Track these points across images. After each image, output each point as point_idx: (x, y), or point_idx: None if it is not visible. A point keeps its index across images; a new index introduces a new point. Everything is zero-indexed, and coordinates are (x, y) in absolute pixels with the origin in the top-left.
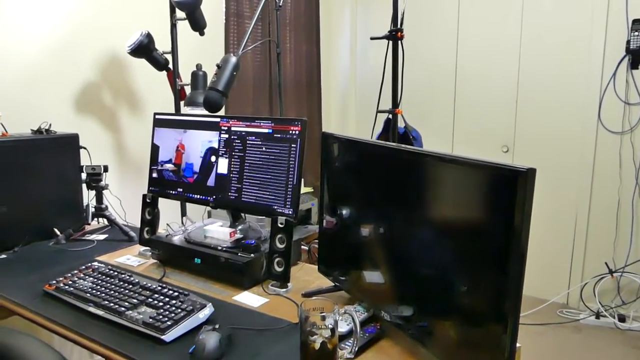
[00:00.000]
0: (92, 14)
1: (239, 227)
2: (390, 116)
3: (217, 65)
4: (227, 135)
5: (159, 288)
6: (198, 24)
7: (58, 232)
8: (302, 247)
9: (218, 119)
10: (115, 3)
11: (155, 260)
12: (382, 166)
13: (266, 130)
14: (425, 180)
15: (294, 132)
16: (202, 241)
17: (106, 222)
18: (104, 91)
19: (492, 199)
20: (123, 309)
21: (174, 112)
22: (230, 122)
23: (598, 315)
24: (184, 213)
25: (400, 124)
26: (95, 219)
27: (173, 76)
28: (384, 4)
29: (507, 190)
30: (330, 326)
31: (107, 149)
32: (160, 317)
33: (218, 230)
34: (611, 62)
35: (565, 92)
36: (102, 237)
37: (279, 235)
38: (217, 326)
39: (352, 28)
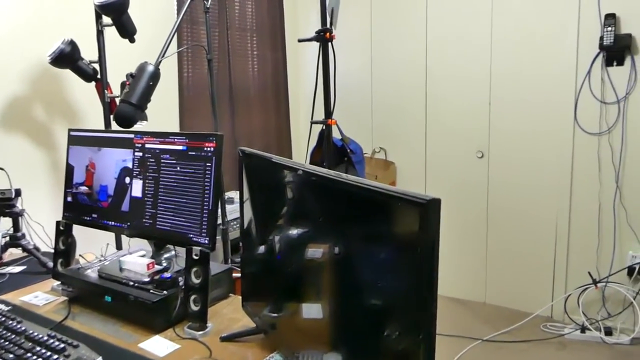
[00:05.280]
0: (19, 22)
1: (164, 257)
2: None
3: (131, 75)
4: (141, 154)
5: (46, 338)
6: (126, 30)
7: None
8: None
9: (132, 135)
10: (42, 11)
11: (65, 298)
12: (293, 188)
13: (180, 148)
14: (331, 205)
15: (208, 148)
16: (117, 275)
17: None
18: (34, 105)
19: (397, 231)
20: None
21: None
22: (144, 139)
23: (583, 329)
24: (118, 240)
25: (337, 136)
26: (11, 248)
27: (102, 87)
28: (353, 9)
29: (411, 222)
30: None
31: (39, 169)
32: None
33: (135, 262)
34: (585, 59)
35: (539, 92)
36: (18, 269)
37: (195, 269)
38: None
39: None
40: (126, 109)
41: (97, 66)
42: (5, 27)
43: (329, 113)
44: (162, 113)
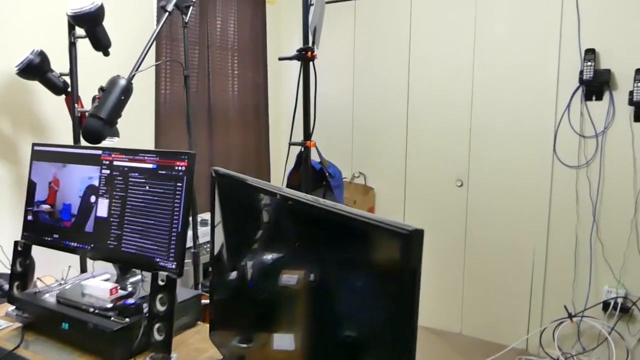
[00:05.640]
0: None
1: (129, 282)
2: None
3: (101, 89)
4: (108, 171)
5: None
6: (100, 43)
7: None
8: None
9: (100, 152)
10: (13, 20)
11: (20, 324)
12: (268, 212)
13: (150, 166)
14: (307, 231)
15: (179, 167)
16: (78, 300)
17: None
18: (3, 118)
19: (376, 261)
20: None
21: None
22: (113, 156)
23: None
24: (83, 262)
25: (315, 159)
26: None
27: (72, 101)
28: (336, 32)
29: (392, 252)
30: None
31: (1, 185)
32: None
33: (97, 287)
34: (565, 92)
35: (519, 123)
36: None
37: (160, 295)
38: None
39: None
40: (95, 123)
41: (68, 79)
42: None
43: (308, 135)
44: (137, 130)
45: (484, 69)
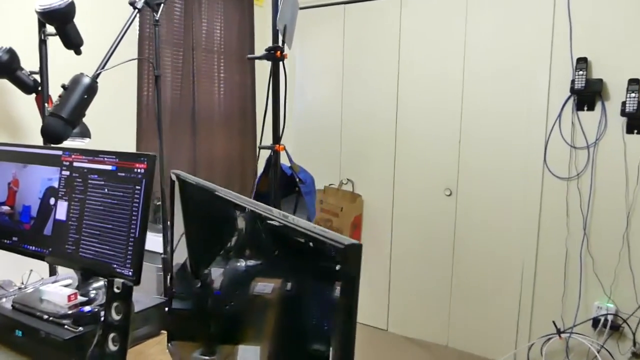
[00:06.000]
0: None
1: (91, 288)
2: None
3: (63, 87)
4: (68, 172)
5: None
6: (71, 41)
7: None
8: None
9: (60, 152)
10: None
11: None
12: (226, 220)
13: (109, 167)
14: (261, 242)
15: (139, 170)
16: (34, 306)
17: None
18: None
19: (317, 272)
20: None
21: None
22: (73, 157)
23: None
24: (52, 265)
25: (286, 163)
26: None
27: (42, 100)
28: (325, 36)
29: (332, 264)
30: None
31: None
32: None
33: (55, 292)
34: (556, 102)
35: (509, 132)
36: None
37: (115, 304)
38: None
39: (290, 58)
40: (55, 123)
41: (39, 77)
42: None
43: (277, 138)
44: (118, 133)
45: (474, 76)
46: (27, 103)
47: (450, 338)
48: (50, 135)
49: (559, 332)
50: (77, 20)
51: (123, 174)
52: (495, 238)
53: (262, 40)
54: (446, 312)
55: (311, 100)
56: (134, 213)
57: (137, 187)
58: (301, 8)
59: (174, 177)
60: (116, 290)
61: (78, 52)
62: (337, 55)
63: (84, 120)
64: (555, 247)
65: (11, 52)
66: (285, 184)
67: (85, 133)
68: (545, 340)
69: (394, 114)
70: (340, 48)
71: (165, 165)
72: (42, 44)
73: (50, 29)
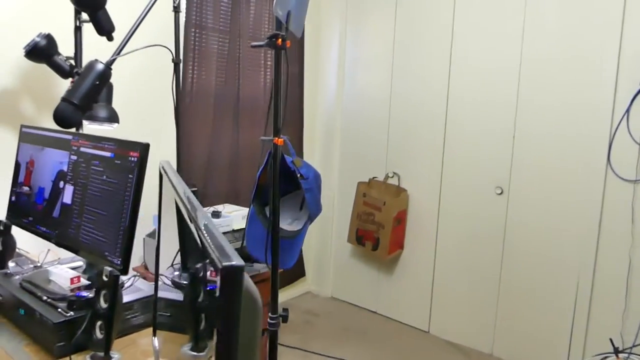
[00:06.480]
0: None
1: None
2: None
3: (77, 73)
4: (75, 157)
5: None
6: (102, 27)
7: None
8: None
9: (70, 137)
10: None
11: None
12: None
13: (108, 154)
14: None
15: (132, 158)
16: (39, 286)
17: None
18: (23, 100)
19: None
20: None
21: None
22: (80, 142)
23: None
24: None
25: (288, 157)
26: None
27: None
28: (376, 23)
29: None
30: None
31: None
32: None
33: (60, 274)
34: (625, 95)
35: (569, 127)
36: None
37: (104, 292)
38: None
39: (340, 47)
40: (66, 108)
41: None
42: None
43: (277, 130)
44: (159, 119)
45: (532, 64)
46: (65, 88)
47: (495, 346)
48: (61, 120)
49: (616, 351)
50: (110, 8)
51: (119, 162)
52: (549, 242)
53: (315, 30)
54: (492, 318)
55: (360, 88)
56: (125, 201)
57: (130, 175)
58: None
59: (160, 169)
60: (104, 279)
61: (110, 38)
62: (388, 44)
63: (113, 105)
64: (617, 256)
65: (49, 38)
66: (289, 180)
67: (113, 118)
68: (601, 359)
69: (444, 106)
70: (391, 37)
71: (207, 152)
72: (77, 30)
73: (85, 16)
